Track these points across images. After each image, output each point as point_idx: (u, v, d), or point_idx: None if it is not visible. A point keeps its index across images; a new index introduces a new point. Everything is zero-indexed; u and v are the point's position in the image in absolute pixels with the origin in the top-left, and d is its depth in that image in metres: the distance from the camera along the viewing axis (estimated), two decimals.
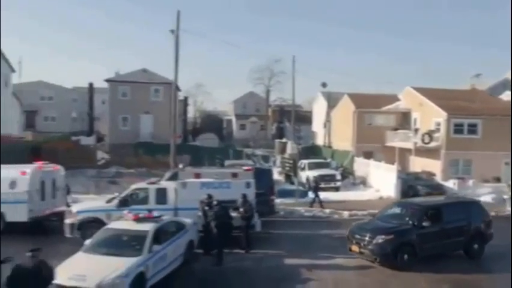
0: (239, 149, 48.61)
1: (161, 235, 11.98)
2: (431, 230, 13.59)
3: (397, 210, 15.09)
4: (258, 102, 70.52)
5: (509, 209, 22.81)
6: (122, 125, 44.65)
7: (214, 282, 12.35)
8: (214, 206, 14.17)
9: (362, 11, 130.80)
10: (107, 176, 35.11)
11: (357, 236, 13.80)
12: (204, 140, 58.93)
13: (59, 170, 19.90)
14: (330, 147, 42.54)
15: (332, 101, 45.11)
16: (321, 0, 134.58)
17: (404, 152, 33.85)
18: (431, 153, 31.57)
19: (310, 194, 26.67)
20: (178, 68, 25.68)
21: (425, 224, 13.57)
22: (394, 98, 38.81)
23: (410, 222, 13.64)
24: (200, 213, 14.66)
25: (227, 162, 30.61)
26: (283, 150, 43.46)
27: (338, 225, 18.92)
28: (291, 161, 32.53)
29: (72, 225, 15.47)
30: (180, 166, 19.25)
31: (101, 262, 10.51)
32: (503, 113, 31.07)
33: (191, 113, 76.72)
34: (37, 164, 18.74)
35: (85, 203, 17.58)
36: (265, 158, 44.64)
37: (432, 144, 31.30)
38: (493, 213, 17.74)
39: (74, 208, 16.34)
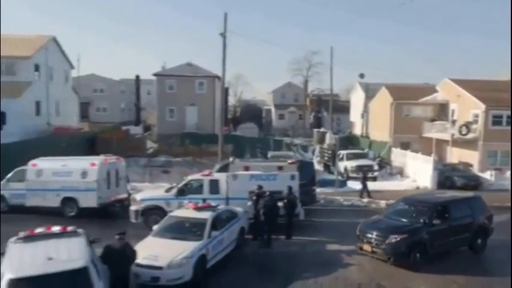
0: (278, 138, 49.57)
1: (218, 222, 13.31)
2: (441, 228, 13.41)
3: (404, 207, 14.72)
4: (296, 92, 71.14)
5: None
6: (169, 116, 46.45)
7: (263, 265, 13.54)
8: (264, 196, 15.37)
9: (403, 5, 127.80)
10: (157, 164, 36.85)
11: (369, 235, 13.43)
12: (244, 130, 60.13)
13: (121, 161, 21.71)
14: (367, 137, 42.85)
15: (370, 91, 45.25)
16: None
17: (441, 143, 33.89)
18: (469, 144, 31.49)
19: (350, 184, 27.61)
20: (225, 67, 26.78)
21: (435, 221, 13.37)
22: (432, 90, 38.65)
23: (421, 220, 13.31)
24: (250, 203, 15.91)
25: (270, 154, 31.58)
26: (322, 140, 44.08)
27: (375, 214, 19.61)
28: (329, 151, 33.34)
29: (137, 211, 17.10)
30: (231, 159, 20.48)
31: (169, 245, 11.91)
32: None
33: (231, 102, 78.35)
34: (103, 156, 20.59)
35: (147, 192, 19.16)
36: (304, 148, 45.50)
37: (470, 135, 31.22)
38: None
39: (138, 196, 17.98)
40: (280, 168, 17.50)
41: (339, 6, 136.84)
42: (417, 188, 26.65)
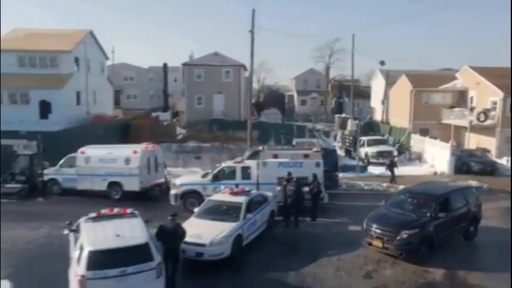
0: (301, 124, 50.47)
1: (251, 206, 14.66)
2: (444, 220, 13.36)
3: (407, 199, 14.52)
4: (318, 78, 71.61)
5: None
6: (197, 103, 47.99)
7: (291, 243, 14.85)
8: (292, 181, 16.62)
9: None
10: (187, 150, 38.34)
11: (378, 231, 13.09)
12: (268, 115, 61.14)
13: (159, 149, 23.30)
14: (387, 123, 43.40)
15: (390, 78, 45.64)
16: None
17: (460, 129, 34.35)
18: (486, 130, 31.85)
19: (370, 169, 28.55)
20: (253, 61, 27.91)
21: (440, 214, 13.29)
22: (451, 77, 38.89)
23: (428, 214, 13.21)
24: (278, 188, 17.19)
25: (295, 141, 32.61)
26: (343, 125, 44.80)
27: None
28: (351, 138, 34.22)
29: (176, 195, 18.62)
30: (260, 148, 21.75)
31: (210, 225, 13.30)
32: None
33: (254, 88, 79.27)
34: (144, 145, 22.17)
35: (185, 177, 20.67)
36: (326, 133, 46.47)
37: (488, 122, 31.60)
38: None
39: (177, 181, 19.51)
40: (306, 156, 18.72)
41: None
42: (435, 173, 27.44)
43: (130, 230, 10.39)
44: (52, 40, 34.88)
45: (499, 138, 31.38)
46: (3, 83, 32.35)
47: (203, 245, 12.38)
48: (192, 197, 18.30)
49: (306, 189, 17.14)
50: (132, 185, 20.64)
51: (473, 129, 32.28)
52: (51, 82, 32.81)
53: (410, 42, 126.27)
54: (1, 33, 35.68)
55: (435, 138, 32.54)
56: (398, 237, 12.62)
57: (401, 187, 23.24)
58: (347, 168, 27.37)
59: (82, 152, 21.65)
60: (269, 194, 16.64)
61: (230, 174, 18.65)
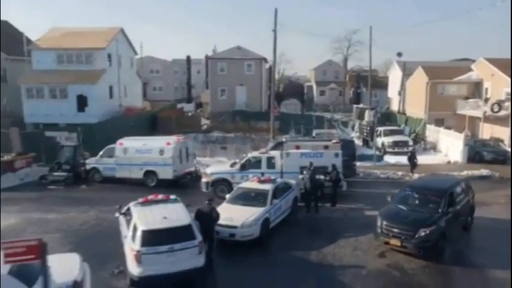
0: (320, 114, 51.28)
1: (277, 192, 15.93)
2: (452, 214, 13.41)
3: (415, 195, 14.30)
4: (336, 70, 72.02)
5: None
6: (220, 95, 49.24)
7: (312, 226, 16.11)
8: (312, 170, 17.81)
9: None
10: (211, 140, 39.69)
11: (396, 230, 12.89)
12: (287, 106, 61.87)
13: (189, 140, 24.79)
14: (404, 114, 43.81)
15: (407, 70, 45.94)
16: None
17: (474, 119, 34.74)
18: (501, 120, 32.05)
19: (386, 158, 29.41)
20: (276, 59, 28.84)
21: (449, 209, 13.37)
22: (467, 69, 39.14)
23: (439, 210, 13.20)
24: (301, 176, 18.40)
25: (315, 132, 33.50)
26: (361, 116, 45.52)
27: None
28: (368, 128, 34.94)
29: (207, 183, 20.01)
30: (284, 139, 22.89)
31: (240, 210, 14.61)
32: None
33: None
34: (176, 137, 23.62)
35: (215, 167, 22.00)
36: (344, 123, 47.14)
37: (502, 113, 31.91)
38: None
39: (208, 170, 20.88)
40: (326, 147, 19.80)
41: None
42: (449, 162, 28.18)
43: (174, 213, 11.81)
44: (87, 38, 36.56)
45: None
46: (44, 79, 34.30)
47: (235, 227, 13.71)
48: (221, 185, 19.66)
49: (326, 177, 18.32)
50: (166, 173, 22.10)
51: (487, 119, 32.65)
52: (87, 77, 34.56)
53: (426, 32, 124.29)
54: (40, 33, 37.26)
55: (450, 128, 33.08)
56: (416, 236, 12.47)
57: (416, 176, 24.24)
58: (364, 158, 28.21)
59: (121, 144, 23.17)
60: (292, 182, 17.87)
61: (256, 163, 19.90)
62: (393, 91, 52.88)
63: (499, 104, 32.14)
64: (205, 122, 47.59)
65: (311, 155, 19.14)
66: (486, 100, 33.86)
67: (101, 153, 23.99)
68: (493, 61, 35.74)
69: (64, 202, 19.64)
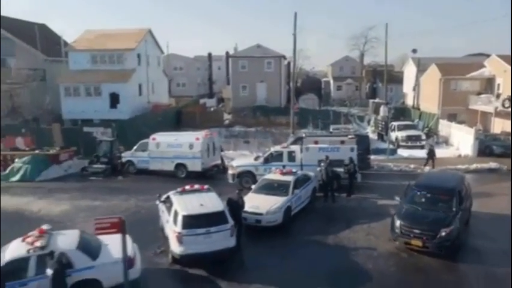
0: (337, 109, 52.09)
1: (297, 183, 17.25)
2: (462, 212, 13.56)
3: (426, 195, 14.19)
4: (353, 65, 72.45)
5: None
6: (242, 91, 50.57)
7: (329, 214, 17.38)
8: (327, 163, 19.03)
9: None
10: (234, 134, 41.07)
11: (417, 231, 12.79)
12: (305, 101, 62.68)
13: (215, 135, 26.24)
14: (418, 108, 44.41)
15: (421, 66, 46.40)
16: None
17: (486, 114, 35.25)
18: None
19: (399, 152, 30.35)
20: (295, 60, 29.93)
21: (460, 207, 13.52)
22: (479, 65, 39.50)
23: (454, 208, 13.30)
24: (319, 169, 19.65)
25: (332, 127, 34.54)
26: (377, 111, 46.28)
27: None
28: (383, 123, 35.95)
29: (233, 174, 21.45)
30: (303, 135, 24.09)
31: (265, 199, 15.96)
32: None
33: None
34: (204, 132, 25.12)
35: (240, 160, 23.43)
36: (361, 118, 48.02)
37: None
38: None
39: (234, 163, 22.31)
40: (342, 142, 21.01)
41: None
42: (459, 156, 28.96)
43: (209, 201, 13.29)
44: (118, 39, 38.30)
45: None
46: (80, 78, 36.23)
47: (261, 214, 15.09)
48: (246, 176, 21.07)
49: (344, 170, 19.54)
50: (195, 166, 23.62)
51: (499, 114, 33.16)
52: (118, 76, 36.34)
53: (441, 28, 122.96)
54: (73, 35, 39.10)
55: (463, 123, 33.70)
56: (438, 236, 12.48)
57: (427, 169, 25.21)
58: (378, 151, 29.15)
59: (153, 139, 24.77)
60: (311, 174, 19.17)
61: (278, 157, 21.20)
62: (408, 87, 53.34)
63: (510, 99, 32.61)
64: (227, 117, 48.91)
65: (328, 150, 20.34)
66: (498, 96, 34.35)
67: (135, 147, 25.60)
68: (505, 58, 36.02)
69: (105, 191, 21.37)
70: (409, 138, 32.05)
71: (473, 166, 25.48)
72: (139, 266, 11.42)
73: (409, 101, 51.86)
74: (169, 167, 24.12)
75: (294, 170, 18.30)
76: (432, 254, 12.75)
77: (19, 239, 10.91)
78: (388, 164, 26.27)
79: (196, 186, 14.61)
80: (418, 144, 31.90)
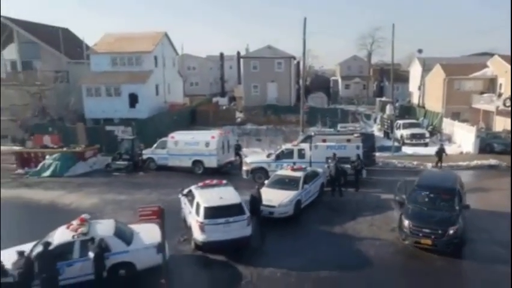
0: (345, 108, 52.97)
1: (307, 179, 18.40)
2: (462, 210, 13.93)
3: (430, 195, 14.59)
4: (360, 65, 73.17)
5: None
6: (253, 91, 51.66)
7: (336, 207, 18.49)
8: (336, 160, 20.17)
9: None
10: (245, 132, 42.11)
11: (426, 230, 13.12)
12: (314, 99, 63.58)
13: (230, 134, 27.46)
14: (423, 107, 45.16)
15: (426, 66, 47.13)
16: None
17: (489, 113, 36.01)
18: None
19: (404, 149, 31.26)
20: (305, 62, 30.92)
21: (461, 205, 13.90)
22: (482, 65, 40.17)
23: (456, 207, 13.76)
24: (327, 165, 20.78)
25: (339, 126, 35.50)
26: (383, 109, 47.09)
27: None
28: (389, 121, 36.86)
29: (247, 171, 22.70)
30: (312, 134, 25.14)
31: (277, 193, 17.09)
32: None
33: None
34: (219, 131, 26.37)
35: (253, 157, 24.56)
36: (368, 116, 48.84)
37: None
38: None
39: (248, 160, 23.54)
40: (348, 140, 22.13)
41: None
42: (461, 153, 29.79)
43: (228, 194, 14.54)
44: (136, 42, 39.65)
45: None
46: (101, 79, 37.70)
47: (274, 207, 16.27)
48: (259, 172, 22.27)
49: (349, 166, 20.67)
50: (211, 162, 24.85)
51: (500, 113, 33.87)
52: (137, 78, 37.71)
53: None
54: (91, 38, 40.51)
55: (466, 121, 34.46)
56: (446, 234, 12.85)
57: (429, 165, 26.19)
58: (384, 149, 30.04)
59: (172, 137, 26.04)
60: (320, 170, 20.33)
61: (288, 154, 22.37)
62: (413, 85, 54.06)
63: (510, 99, 33.31)
64: (239, 115, 49.95)
65: (336, 147, 21.48)
66: (500, 95, 35.05)
67: (155, 145, 26.87)
68: (507, 58, 36.72)
69: (129, 186, 22.75)
70: (413, 136, 32.91)
71: (474, 163, 26.39)
72: (167, 252, 12.69)
73: (415, 100, 52.61)
74: (187, 163, 25.32)
75: (303, 167, 19.45)
76: (440, 252, 13.20)
77: (64, 226, 12.26)
78: (392, 161, 27.20)
79: (215, 181, 15.88)
80: (422, 142, 32.59)
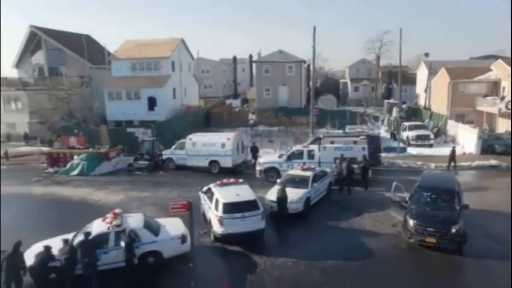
0: (354, 110, 53.74)
1: (316, 178, 19.52)
2: (461, 209, 14.43)
3: (432, 196, 15.07)
4: (369, 67, 73.78)
5: None
6: (265, 94, 52.83)
7: (343, 204, 19.54)
8: (347, 161, 21.22)
9: None
10: (258, 133, 43.25)
11: (431, 229, 13.63)
12: (324, 101, 64.52)
13: (244, 135, 28.70)
14: (429, 109, 45.80)
15: (433, 69, 47.73)
16: None
17: (492, 115, 36.56)
18: None
19: (409, 150, 32.09)
20: (314, 66, 31.85)
21: (460, 205, 14.34)
22: (486, 69, 40.68)
23: (457, 207, 14.29)
24: (334, 165, 21.90)
25: (347, 128, 36.40)
26: (391, 111, 47.86)
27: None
28: (395, 123, 37.71)
29: (260, 170, 23.88)
30: (321, 136, 26.19)
31: (289, 191, 18.00)
32: None
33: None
34: (234, 133, 27.61)
35: (266, 157, 25.68)
36: (375, 118, 49.63)
37: None
38: None
39: (261, 160, 24.73)
40: (355, 142, 23.21)
41: None
42: (464, 153, 30.52)
43: (243, 192, 15.77)
44: (154, 49, 41.18)
45: None
46: (122, 84, 39.27)
47: None
48: (272, 172, 23.43)
49: (359, 165, 21.70)
50: (226, 162, 26.10)
51: (503, 115, 34.45)
52: (155, 82, 39.23)
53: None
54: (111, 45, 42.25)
55: (471, 123, 35.10)
56: (449, 233, 13.38)
57: (433, 165, 27.08)
58: (390, 149, 30.90)
59: (190, 139, 27.35)
60: (328, 170, 21.45)
61: (299, 155, 23.49)
62: (420, 88, 54.64)
63: (511, 101, 33.85)
64: (251, 117, 51.24)
65: (343, 149, 22.59)
66: (502, 98, 35.63)
67: (174, 146, 28.23)
68: (509, 62, 37.16)
69: (150, 184, 24.13)
70: (418, 137, 33.73)
71: (475, 163, 27.21)
72: (190, 243, 13.98)
73: (421, 102, 53.20)
74: (204, 163, 26.59)
75: (312, 167, 20.58)
76: (443, 250, 13.75)
77: (100, 219, 13.63)
78: (398, 161, 28.09)
79: (232, 180, 17.13)
80: (427, 143, 33.39)
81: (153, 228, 13.77)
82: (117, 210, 14.05)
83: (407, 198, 15.63)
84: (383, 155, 27.87)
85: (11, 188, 23.35)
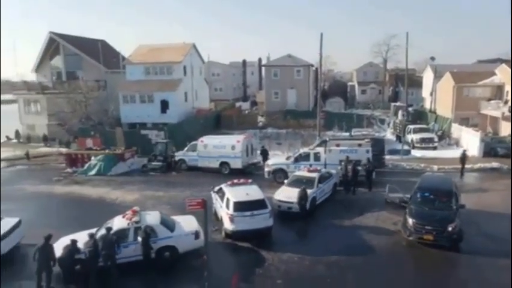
0: (361, 113, 54.22)
1: (321, 179, 20.32)
2: (458, 209, 15.21)
3: (430, 196, 15.82)
4: (376, 71, 74.11)
5: None
6: (274, 97, 53.65)
7: (347, 204, 20.31)
8: (353, 163, 21.96)
9: None
10: (267, 135, 43.95)
11: (429, 227, 14.34)
12: (332, 104, 65.26)
13: (253, 138, 29.55)
14: (434, 112, 46.19)
15: (438, 73, 48.07)
16: None
17: (496, 118, 36.94)
18: None
19: (413, 153, 32.64)
20: (321, 75, 32.52)
21: (457, 205, 15.13)
22: (491, 73, 41.02)
23: (454, 207, 15.06)
24: (339, 167, 22.65)
25: (353, 131, 37.11)
26: (396, 114, 48.42)
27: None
28: (401, 126, 38.26)
29: (269, 171, 24.72)
30: (327, 139, 26.94)
31: (295, 191, 18.85)
32: None
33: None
34: (243, 136, 28.49)
35: (274, 159, 26.57)
36: (382, 121, 50.04)
37: None
38: None
39: (269, 162, 25.58)
40: (359, 145, 23.96)
41: None
42: (467, 156, 30.95)
43: (253, 191, 16.65)
44: (167, 53, 42.24)
45: None
46: (135, 88, 40.39)
47: (292, 203, 18.25)
48: (279, 173, 24.25)
49: (364, 167, 22.44)
50: (236, 164, 26.95)
51: (506, 118, 34.82)
52: (168, 86, 40.25)
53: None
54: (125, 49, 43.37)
55: (476, 126, 35.51)
56: (446, 231, 14.12)
57: (435, 167, 27.67)
58: (394, 152, 31.37)
59: (201, 141, 28.26)
60: (333, 171, 22.24)
61: (305, 157, 24.33)
62: (426, 91, 54.97)
63: (511, 104, 34.27)
64: (260, 120, 51.98)
65: (348, 151, 23.37)
66: (506, 102, 36.02)
67: (186, 148, 29.13)
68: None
69: (164, 184, 25.09)
70: (423, 140, 34.25)
71: (478, 165, 27.76)
72: (203, 238, 14.84)
73: (427, 105, 53.55)
74: (215, 164, 27.45)
75: (318, 168, 21.37)
76: (440, 247, 14.50)
77: (120, 216, 14.60)
78: (401, 163, 28.70)
79: (242, 180, 18.01)
80: (431, 145, 33.84)
81: (169, 225, 14.69)
82: (135, 208, 15.00)
83: (404, 198, 16.33)
84: (387, 157, 28.51)
85: (35, 187, 24.57)
